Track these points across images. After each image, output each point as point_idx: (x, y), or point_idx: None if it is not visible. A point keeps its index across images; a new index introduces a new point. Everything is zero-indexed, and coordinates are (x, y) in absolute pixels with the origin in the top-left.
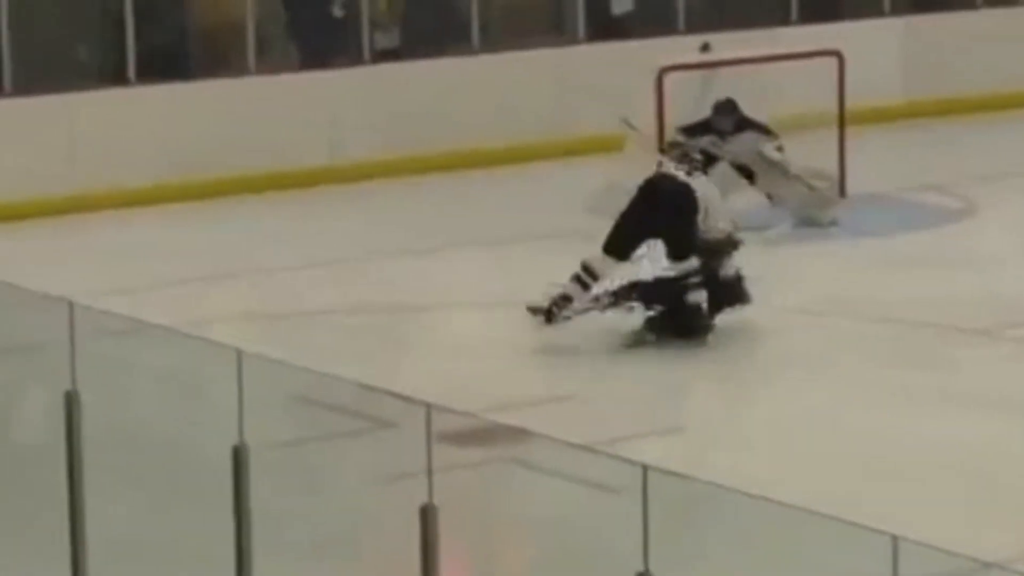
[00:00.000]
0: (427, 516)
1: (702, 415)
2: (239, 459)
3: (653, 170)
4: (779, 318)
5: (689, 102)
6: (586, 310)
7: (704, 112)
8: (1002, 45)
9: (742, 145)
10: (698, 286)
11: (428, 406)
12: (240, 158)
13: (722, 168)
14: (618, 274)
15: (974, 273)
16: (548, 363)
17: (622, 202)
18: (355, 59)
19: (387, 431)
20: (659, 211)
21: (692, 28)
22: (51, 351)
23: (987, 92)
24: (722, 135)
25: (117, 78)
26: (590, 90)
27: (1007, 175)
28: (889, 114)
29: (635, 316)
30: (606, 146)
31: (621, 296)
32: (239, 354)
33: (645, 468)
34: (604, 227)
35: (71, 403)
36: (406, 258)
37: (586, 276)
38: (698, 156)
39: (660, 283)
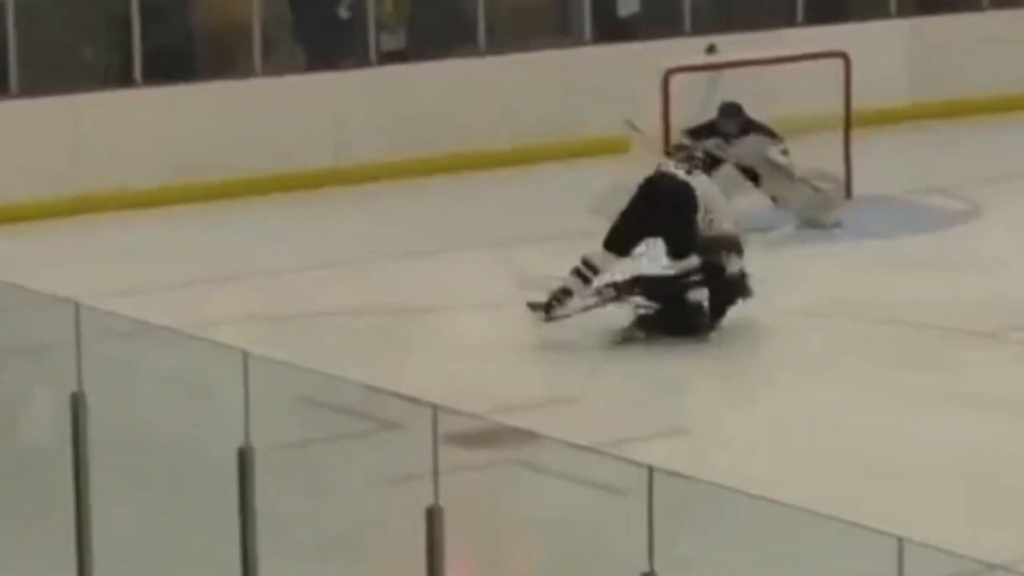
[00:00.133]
0: (433, 517)
1: (706, 416)
2: (245, 460)
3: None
4: (783, 319)
5: (695, 104)
6: (587, 308)
7: (710, 114)
8: (1008, 47)
9: (747, 148)
10: (699, 284)
11: (434, 407)
12: (245, 159)
13: (726, 170)
14: (619, 269)
15: (979, 275)
16: (553, 364)
17: (626, 203)
18: (361, 61)
19: (393, 432)
20: (659, 210)
21: (698, 30)
22: (57, 352)
23: (993, 94)
24: (727, 137)
25: (123, 79)
26: (596, 92)
27: (1013, 177)
28: (895, 116)
29: (625, 313)
30: (612, 148)
31: (624, 290)
32: (245, 355)
33: (651, 469)
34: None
35: (77, 404)
36: (411, 259)
37: (586, 270)
38: (699, 154)
39: (661, 280)
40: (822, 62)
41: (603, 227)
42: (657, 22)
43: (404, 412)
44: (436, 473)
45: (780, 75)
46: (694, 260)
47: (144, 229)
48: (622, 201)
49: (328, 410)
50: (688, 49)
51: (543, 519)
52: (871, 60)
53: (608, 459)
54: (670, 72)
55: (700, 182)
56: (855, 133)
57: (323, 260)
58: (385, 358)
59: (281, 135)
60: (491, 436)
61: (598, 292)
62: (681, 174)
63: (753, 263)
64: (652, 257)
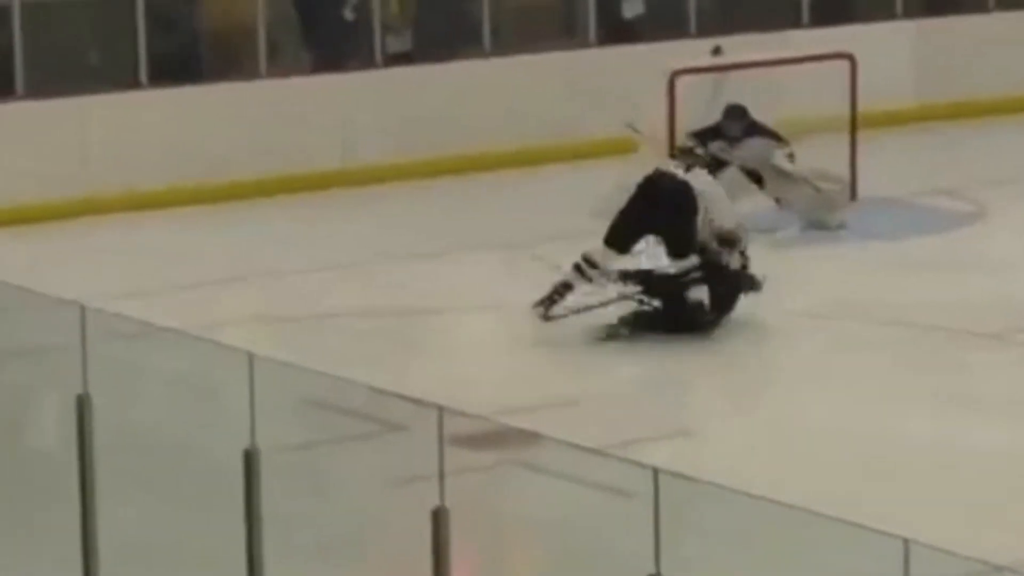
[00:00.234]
0: (439, 519)
1: (711, 418)
2: (250, 462)
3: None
4: (787, 320)
5: (700, 106)
6: (588, 308)
7: (714, 116)
8: (1014, 48)
9: (751, 150)
10: (698, 282)
11: (439, 409)
12: (251, 161)
13: (731, 173)
14: (623, 263)
15: (985, 277)
16: (558, 366)
17: (625, 202)
18: (367, 62)
19: (398, 434)
20: (658, 208)
21: (703, 31)
22: (62, 354)
23: (999, 95)
24: (731, 140)
25: (129, 81)
26: (601, 93)
27: (1018, 179)
28: (901, 117)
29: (610, 311)
30: (617, 149)
31: (629, 278)
32: (250, 357)
33: (656, 471)
34: None
35: (83, 406)
36: (417, 261)
37: (586, 266)
38: (700, 151)
39: (662, 278)
40: (828, 63)
41: None
42: (662, 24)
43: (409, 414)
44: (442, 474)
45: (786, 76)
46: (693, 259)
47: (150, 231)
48: (625, 202)
49: (333, 412)
50: (693, 51)
51: (548, 520)
52: (877, 61)
53: (613, 460)
54: (676, 74)
55: (699, 180)
56: (861, 135)
57: (329, 262)
58: (390, 360)
59: (287, 137)
60: (496, 438)
61: (605, 275)
62: (680, 173)
63: (757, 264)
64: (651, 255)
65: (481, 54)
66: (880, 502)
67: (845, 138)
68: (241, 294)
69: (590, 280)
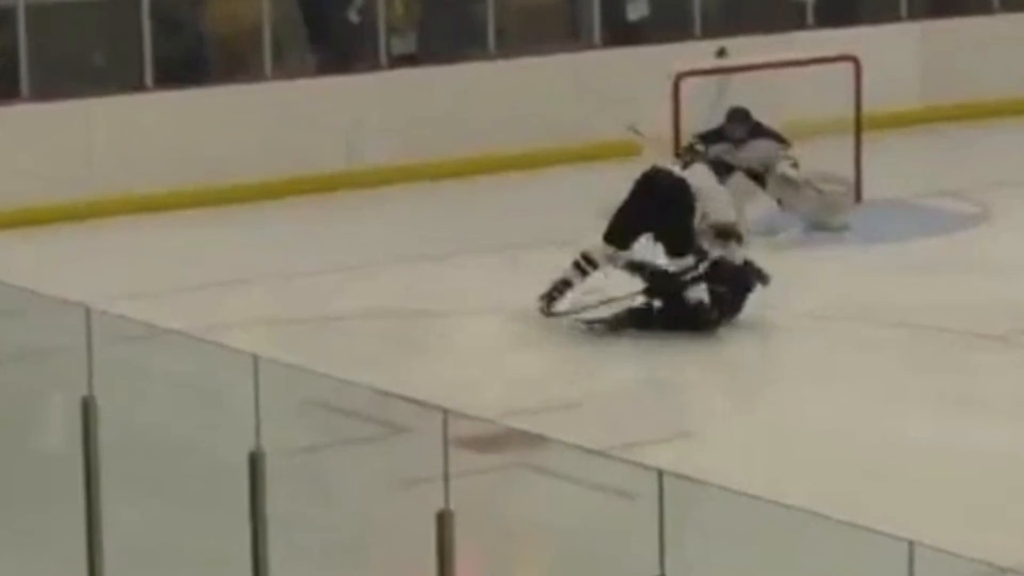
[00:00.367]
0: (443, 521)
1: (714, 420)
2: (255, 465)
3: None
4: (791, 322)
5: (705, 108)
6: (587, 308)
7: (719, 118)
8: (1019, 49)
9: (755, 152)
10: (697, 281)
11: (444, 411)
12: (257, 163)
13: (737, 179)
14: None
15: (989, 278)
16: (562, 368)
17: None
18: (372, 64)
19: (403, 436)
20: (655, 204)
21: (708, 33)
22: (67, 356)
23: (1004, 97)
24: (735, 143)
25: (134, 84)
26: (606, 95)
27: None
28: (906, 119)
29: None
30: (622, 151)
31: (635, 268)
32: (255, 359)
33: (660, 473)
34: None
35: (88, 408)
36: (423, 263)
37: (585, 264)
38: (700, 147)
39: (663, 275)
40: (832, 65)
41: None
42: (667, 25)
43: (414, 416)
44: (447, 477)
45: (790, 78)
46: (691, 259)
47: (155, 232)
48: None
49: (338, 414)
50: (698, 53)
51: (552, 523)
52: (882, 63)
53: (617, 463)
54: (680, 76)
55: (696, 176)
56: (866, 136)
57: (335, 264)
58: (395, 362)
59: (292, 139)
60: (500, 440)
61: (611, 259)
62: (676, 169)
63: (761, 265)
64: (650, 255)
65: (486, 56)
66: (884, 504)
67: (850, 140)
68: (246, 296)
69: (588, 277)
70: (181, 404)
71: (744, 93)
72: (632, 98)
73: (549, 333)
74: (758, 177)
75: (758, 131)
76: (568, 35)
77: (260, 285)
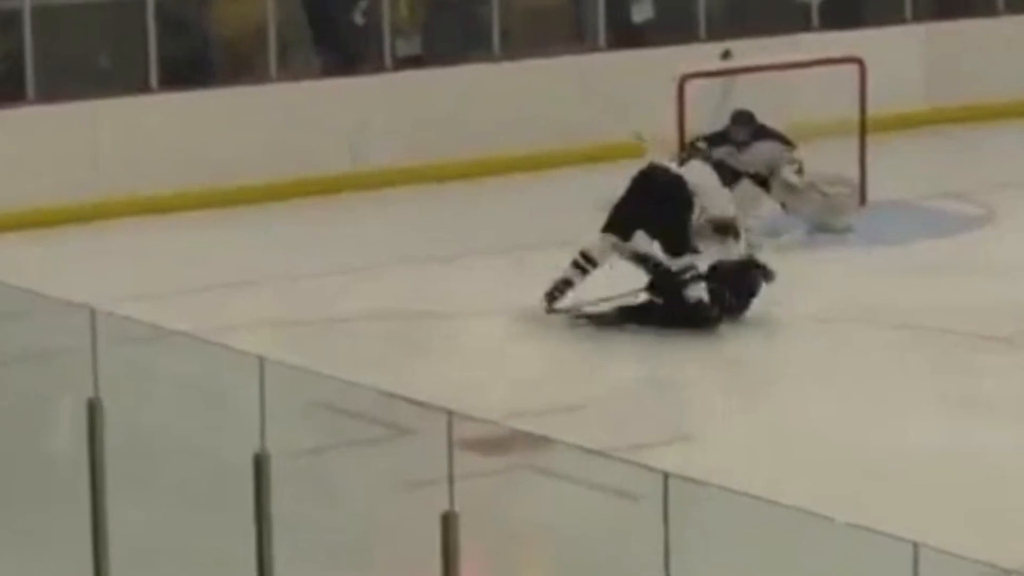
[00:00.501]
0: (448, 523)
1: (717, 421)
2: (260, 466)
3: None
4: (794, 324)
5: (710, 109)
6: (586, 308)
7: (724, 120)
8: None
9: (759, 154)
10: (696, 280)
11: (449, 413)
12: (262, 165)
13: (744, 185)
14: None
15: (994, 280)
16: (566, 369)
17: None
18: (377, 66)
19: (407, 438)
20: (653, 200)
21: (713, 36)
22: (73, 358)
23: (1009, 98)
24: (739, 145)
25: (140, 85)
26: (611, 97)
27: None
28: (911, 121)
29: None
30: (627, 153)
31: (640, 260)
32: (261, 361)
33: (666, 475)
34: None
35: (93, 410)
36: (428, 264)
37: (584, 262)
38: (702, 145)
39: (663, 273)
40: (837, 67)
41: None
42: (672, 27)
43: (419, 418)
44: (451, 478)
45: (795, 80)
46: (688, 258)
47: (161, 234)
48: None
49: (343, 416)
50: (703, 55)
51: (557, 524)
52: (887, 65)
53: (621, 464)
54: (685, 78)
55: (693, 172)
56: (871, 138)
57: (340, 265)
58: (400, 364)
59: (297, 141)
60: (505, 441)
61: (615, 246)
62: (674, 167)
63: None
64: (649, 249)
65: (491, 58)
66: (887, 505)
67: (854, 142)
68: (251, 298)
69: (588, 275)
70: (186, 405)
71: (749, 95)
72: (637, 100)
73: (554, 334)
74: (762, 180)
75: (762, 133)
76: (573, 37)
77: (265, 287)
